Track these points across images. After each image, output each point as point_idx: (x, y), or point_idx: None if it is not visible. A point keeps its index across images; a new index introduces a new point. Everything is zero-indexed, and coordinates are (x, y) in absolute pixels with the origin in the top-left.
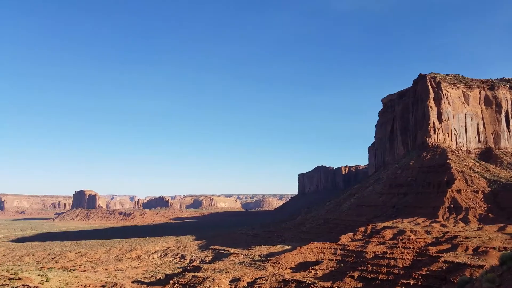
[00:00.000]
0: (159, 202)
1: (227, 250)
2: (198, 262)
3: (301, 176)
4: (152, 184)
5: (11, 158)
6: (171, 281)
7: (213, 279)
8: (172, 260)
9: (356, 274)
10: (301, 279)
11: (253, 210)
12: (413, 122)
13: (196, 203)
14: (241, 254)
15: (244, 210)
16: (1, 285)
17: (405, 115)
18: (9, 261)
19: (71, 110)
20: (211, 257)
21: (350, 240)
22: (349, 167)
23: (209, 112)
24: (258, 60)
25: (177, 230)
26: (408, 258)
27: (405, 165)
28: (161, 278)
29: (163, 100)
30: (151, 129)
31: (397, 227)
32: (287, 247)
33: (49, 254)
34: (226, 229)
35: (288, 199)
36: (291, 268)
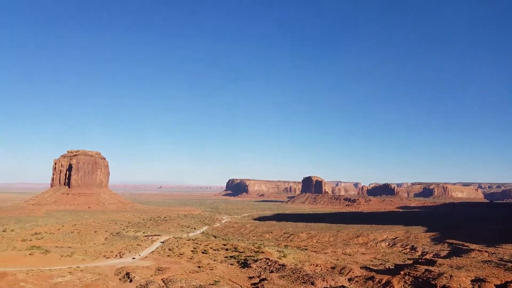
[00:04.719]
0: (384, 190)
1: (466, 246)
2: (431, 255)
3: None
4: (376, 171)
5: (253, 149)
6: (402, 272)
7: (451, 276)
8: (401, 250)
9: None
10: None
11: (499, 201)
12: None
13: (426, 191)
14: (486, 251)
15: (487, 201)
16: (249, 256)
17: None
18: (253, 236)
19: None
20: (446, 252)
21: None
22: None
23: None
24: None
25: (405, 220)
26: None
27: None
28: (390, 267)
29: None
30: (377, 116)
31: None
32: None
33: (284, 233)
34: (463, 221)
35: None
36: None
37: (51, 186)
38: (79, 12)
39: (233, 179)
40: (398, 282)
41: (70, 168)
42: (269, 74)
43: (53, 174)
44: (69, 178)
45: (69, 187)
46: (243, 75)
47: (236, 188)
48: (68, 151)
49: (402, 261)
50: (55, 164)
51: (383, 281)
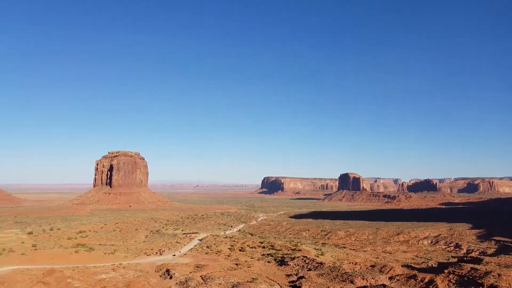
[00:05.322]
0: (425, 186)
1: None
2: (477, 253)
3: None
4: (416, 167)
5: (288, 146)
6: (446, 270)
7: (499, 275)
8: (445, 248)
9: None
10: None
11: None
12: None
13: (471, 187)
14: None
15: None
16: (286, 253)
17: None
18: (290, 234)
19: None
20: (494, 249)
21: None
22: None
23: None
24: None
25: (449, 216)
26: None
27: None
28: (433, 265)
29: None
30: (416, 109)
31: None
32: None
33: (321, 231)
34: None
35: None
36: None
37: (94, 186)
38: (115, 17)
39: (268, 177)
40: (442, 281)
41: (111, 168)
42: (302, 73)
43: (95, 175)
44: (110, 178)
45: (110, 187)
46: (283, 76)
47: (272, 186)
48: (109, 152)
49: (446, 259)
50: (97, 165)
51: (426, 280)
